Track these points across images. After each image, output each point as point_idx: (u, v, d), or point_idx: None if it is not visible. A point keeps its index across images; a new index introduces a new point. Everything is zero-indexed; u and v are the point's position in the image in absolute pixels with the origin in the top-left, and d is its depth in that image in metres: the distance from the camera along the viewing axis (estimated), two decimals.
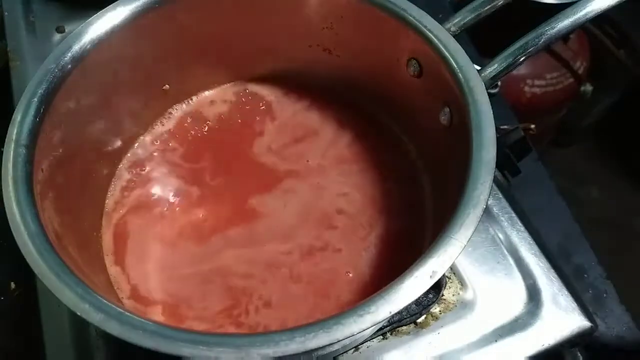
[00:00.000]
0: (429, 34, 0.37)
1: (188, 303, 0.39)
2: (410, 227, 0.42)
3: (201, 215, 0.43)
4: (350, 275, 0.40)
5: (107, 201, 0.43)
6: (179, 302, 0.39)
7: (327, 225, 0.42)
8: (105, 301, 0.28)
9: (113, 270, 0.40)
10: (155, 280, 0.40)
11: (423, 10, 0.38)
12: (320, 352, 0.36)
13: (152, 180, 0.45)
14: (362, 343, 0.41)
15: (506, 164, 0.52)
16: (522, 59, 0.37)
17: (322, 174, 0.45)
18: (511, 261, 0.45)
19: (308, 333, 0.26)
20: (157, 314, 0.38)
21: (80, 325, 0.42)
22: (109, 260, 0.41)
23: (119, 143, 0.44)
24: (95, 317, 0.27)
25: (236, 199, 0.44)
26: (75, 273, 0.29)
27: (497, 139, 0.32)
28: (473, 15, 0.39)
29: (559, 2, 0.68)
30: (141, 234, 0.42)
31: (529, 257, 0.45)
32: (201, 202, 0.44)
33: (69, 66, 0.36)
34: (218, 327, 0.38)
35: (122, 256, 0.41)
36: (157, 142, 0.46)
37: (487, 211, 0.47)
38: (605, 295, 0.52)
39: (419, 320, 0.42)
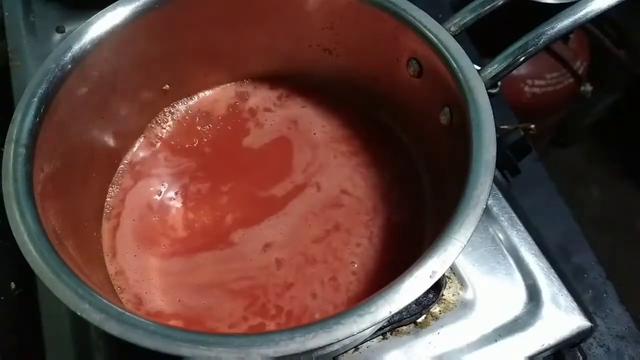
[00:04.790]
0: (429, 34, 0.37)
1: (209, 313, 0.39)
2: (411, 223, 0.42)
3: (204, 215, 0.43)
4: (355, 265, 0.40)
5: (107, 201, 0.43)
6: (196, 315, 0.39)
7: (334, 204, 0.43)
8: (105, 301, 0.28)
9: (113, 270, 0.40)
10: (159, 288, 0.40)
11: (423, 10, 0.38)
12: (320, 352, 0.36)
13: (152, 181, 0.45)
14: (362, 343, 0.41)
15: (506, 164, 0.52)
16: (522, 59, 0.37)
17: (325, 169, 0.45)
18: (511, 261, 0.45)
19: (308, 333, 0.26)
20: None
21: (80, 325, 0.42)
22: (108, 260, 0.41)
23: (118, 143, 0.44)
24: (95, 317, 0.27)
25: (239, 196, 0.44)
26: (75, 273, 0.29)
27: (497, 139, 0.33)
28: (473, 15, 0.39)
29: (559, 2, 0.68)
30: (142, 235, 0.42)
31: (529, 257, 0.45)
32: (203, 202, 0.44)
33: (69, 66, 0.36)
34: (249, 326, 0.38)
35: (122, 257, 0.41)
36: (157, 142, 0.46)
37: (487, 211, 0.47)
38: (605, 295, 0.52)
39: (419, 320, 0.42)
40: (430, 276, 0.28)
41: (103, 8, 0.38)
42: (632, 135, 1.18)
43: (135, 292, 0.40)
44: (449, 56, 0.36)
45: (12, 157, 0.32)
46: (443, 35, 0.37)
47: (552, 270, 0.45)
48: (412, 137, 0.45)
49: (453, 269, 0.45)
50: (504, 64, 0.37)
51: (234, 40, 0.45)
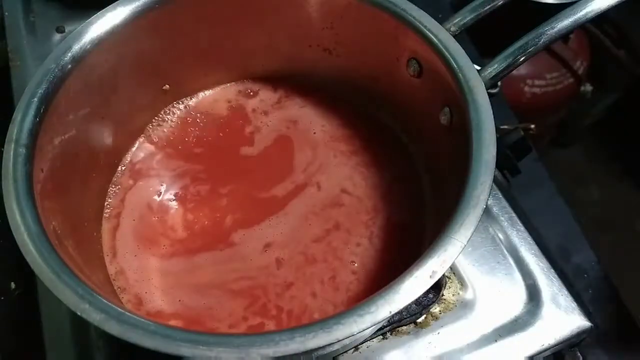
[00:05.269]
0: (429, 34, 0.37)
1: (209, 313, 0.39)
2: (411, 223, 0.42)
3: (204, 215, 0.43)
4: (355, 265, 0.40)
5: (107, 201, 0.43)
6: (196, 315, 0.39)
7: (334, 203, 0.43)
8: (105, 301, 0.28)
9: (113, 270, 0.40)
10: (159, 288, 0.40)
11: (423, 10, 0.38)
12: (320, 352, 0.36)
13: (152, 181, 0.45)
14: (362, 343, 0.41)
15: (506, 164, 0.52)
16: (522, 59, 0.37)
17: (325, 169, 0.45)
18: (511, 261, 0.45)
19: (308, 333, 0.26)
20: None
21: (80, 325, 0.42)
22: (108, 260, 0.41)
23: (118, 143, 0.44)
24: (95, 317, 0.27)
25: (239, 196, 0.44)
26: (75, 273, 0.29)
27: (497, 139, 0.33)
28: (473, 15, 0.39)
29: (559, 2, 0.68)
30: (142, 235, 0.42)
31: (529, 257, 0.45)
32: (203, 203, 0.44)
33: (69, 66, 0.36)
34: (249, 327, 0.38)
35: (122, 257, 0.41)
36: (156, 142, 0.46)
37: (487, 211, 0.47)
38: (605, 295, 0.52)
39: (419, 320, 0.42)
40: (430, 276, 0.28)
41: (103, 8, 0.38)
42: (632, 135, 1.18)
43: (136, 292, 0.40)
44: (449, 56, 0.36)
45: (12, 157, 0.32)
46: (443, 35, 0.37)
47: (552, 270, 0.45)
48: (412, 137, 0.45)
49: (453, 269, 0.45)
50: (504, 64, 0.37)
51: (234, 40, 0.45)
